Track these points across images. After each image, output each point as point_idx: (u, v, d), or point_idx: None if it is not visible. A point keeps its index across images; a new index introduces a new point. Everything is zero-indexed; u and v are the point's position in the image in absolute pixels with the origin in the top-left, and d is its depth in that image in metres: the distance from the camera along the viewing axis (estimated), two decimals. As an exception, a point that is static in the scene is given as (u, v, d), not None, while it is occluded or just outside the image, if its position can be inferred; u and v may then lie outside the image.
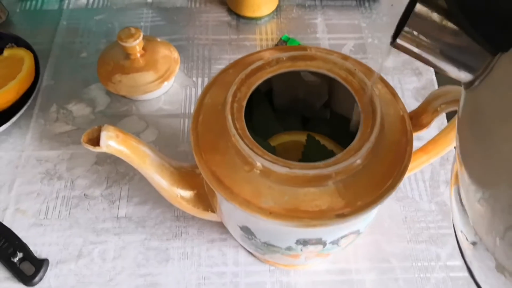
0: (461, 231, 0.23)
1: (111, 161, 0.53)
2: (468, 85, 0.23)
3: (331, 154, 0.40)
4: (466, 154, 0.22)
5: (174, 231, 0.48)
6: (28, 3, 0.69)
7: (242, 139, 0.33)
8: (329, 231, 0.34)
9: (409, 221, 0.49)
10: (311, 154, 0.41)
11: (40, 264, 0.46)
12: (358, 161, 0.32)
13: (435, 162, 0.53)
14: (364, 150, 0.32)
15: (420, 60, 0.25)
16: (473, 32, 0.21)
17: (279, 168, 0.31)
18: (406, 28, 0.24)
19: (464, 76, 0.23)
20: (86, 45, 0.64)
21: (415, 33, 0.24)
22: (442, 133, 0.40)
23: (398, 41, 0.24)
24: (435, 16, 0.23)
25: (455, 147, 0.25)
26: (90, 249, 0.47)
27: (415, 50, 0.24)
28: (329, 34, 0.65)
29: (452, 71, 0.24)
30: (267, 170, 0.32)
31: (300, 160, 0.39)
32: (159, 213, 0.50)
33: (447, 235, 0.48)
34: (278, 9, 0.67)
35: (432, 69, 0.61)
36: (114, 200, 0.50)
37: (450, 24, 0.23)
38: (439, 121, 0.55)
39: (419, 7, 0.23)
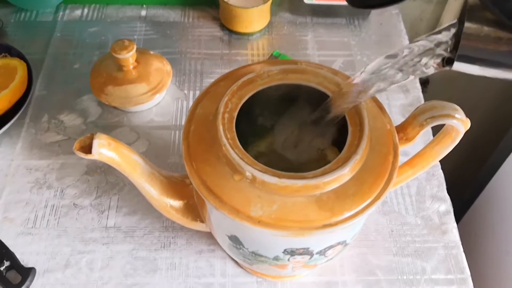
0: None
1: (101, 171, 0.53)
2: None
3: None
4: None
5: (162, 241, 0.49)
6: (23, 14, 0.70)
7: (233, 149, 0.33)
8: (317, 241, 0.35)
9: (395, 234, 0.50)
10: None
11: (27, 273, 0.45)
12: (346, 172, 0.33)
13: (421, 177, 0.54)
14: (351, 162, 0.33)
15: (483, 74, 0.24)
16: None
17: (269, 178, 0.32)
18: (460, 51, 0.23)
19: None
20: (80, 56, 0.65)
21: (471, 52, 0.23)
22: (427, 147, 0.41)
23: (456, 65, 0.24)
24: (486, 30, 0.22)
25: None
26: (78, 259, 0.47)
27: (475, 68, 0.24)
28: (319, 51, 0.66)
29: None
30: (257, 179, 0.32)
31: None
32: (148, 223, 0.50)
33: (432, 248, 0.49)
34: (270, 25, 0.69)
35: (419, 86, 0.63)
36: (103, 210, 0.51)
37: (504, 34, 0.22)
38: (425, 137, 0.56)
39: (468, 25, 0.23)
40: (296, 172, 0.33)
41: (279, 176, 0.32)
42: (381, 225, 0.50)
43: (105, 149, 0.35)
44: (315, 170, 0.33)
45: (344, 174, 0.33)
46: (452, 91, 1.05)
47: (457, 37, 0.25)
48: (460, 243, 0.50)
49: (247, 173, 0.33)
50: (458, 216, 0.52)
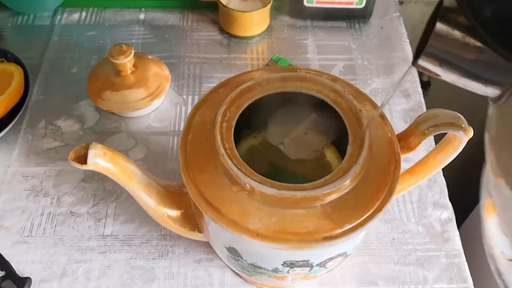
0: (502, 252, 0.23)
1: (99, 178, 0.52)
2: (496, 100, 0.22)
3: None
4: (507, 171, 0.22)
5: (160, 250, 0.48)
6: (20, 18, 0.69)
7: (231, 159, 0.33)
8: (317, 253, 0.34)
9: (397, 243, 0.49)
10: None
11: (22, 283, 0.45)
12: (346, 183, 0.32)
13: (422, 184, 0.53)
14: (352, 172, 0.32)
15: (444, 78, 0.24)
16: (498, 47, 0.21)
17: (267, 189, 0.31)
18: (427, 48, 0.23)
19: (491, 91, 0.22)
20: (77, 61, 0.64)
21: (437, 52, 0.23)
22: (429, 155, 0.40)
23: (420, 61, 0.24)
24: (456, 34, 0.22)
25: (487, 168, 0.25)
26: (75, 268, 0.47)
27: (438, 69, 0.24)
28: (319, 55, 0.65)
29: (478, 88, 0.23)
30: (255, 191, 0.32)
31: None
32: (146, 231, 0.49)
33: (434, 257, 0.48)
34: (269, 29, 0.68)
35: (420, 91, 0.62)
36: (100, 218, 0.50)
37: (473, 41, 0.22)
38: (427, 144, 0.55)
39: (439, 26, 0.23)
40: (298, 181, 0.32)
41: (278, 188, 0.31)
42: (382, 233, 0.50)
43: (100, 159, 0.34)
44: (316, 178, 0.32)
45: (345, 185, 0.32)
46: (453, 94, 1.04)
47: (426, 33, 0.24)
48: (462, 251, 0.49)
49: (246, 185, 0.32)
50: (459, 222, 0.51)
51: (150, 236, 0.49)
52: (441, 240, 0.49)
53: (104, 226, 0.49)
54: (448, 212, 0.51)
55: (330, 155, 0.41)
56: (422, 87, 0.63)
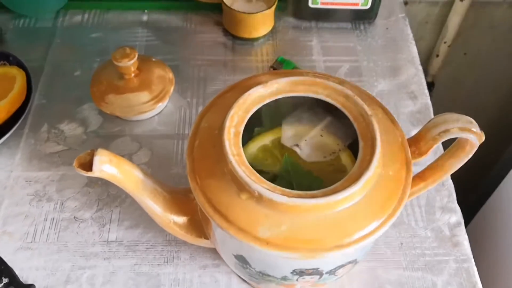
0: None
1: (103, 183, 0.52)
2: None
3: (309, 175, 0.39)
4: None
5: (165, 256, 0.47)
6: (22, 20, 0.68)
7: (239, 166, 0.32)
8: (327, 262, 0.33)
9: (405, 247, 0.48)
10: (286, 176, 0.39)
11: (26, 290, 0.44)
12: (357, 191, 0.31)
13: (431, 188, 0.52)
14: (363, 180, 0.31)
15: None
16: None
17: (277, 197, 0.31)
18: None
19: None
20: (80, 63, 0.63)
21: None
22: (440, 160, 0.39)
23: None
24: None
25: None
26: (79, 274, 0.46)
27: None
28: (324, 56, 0.65)
29: None
30: (265, 198, 0.31)
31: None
32: (151, 237, 0.48)
33: (443, 262, 0.48)
34: (274, 30, 0.67)
35: (427, 93, 0.61)
36: (105, 223, 0.49)
37: None
38: (435, 147, 0.54)
39: None
40: (310, 179, 0.32)
41: (288, 195, 0.31)
42: (390, 238, 0.49)
43: (106, 166, 0.34)
44: (329, 179, 0.32)
45: (356, 192, 0.31)
46: (457, 95, 1.03)
47: None
48: (471, 256, 0.48)
49: (254, 192, 0.31)
50: (464, 224, 0.50)
51: (155, 241, 0.48)
52: (450, 244, 0.49)
53: (109, 232, 0.49)
54: (456, 216, 0.51)
55: (346, 158, 0.40)
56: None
